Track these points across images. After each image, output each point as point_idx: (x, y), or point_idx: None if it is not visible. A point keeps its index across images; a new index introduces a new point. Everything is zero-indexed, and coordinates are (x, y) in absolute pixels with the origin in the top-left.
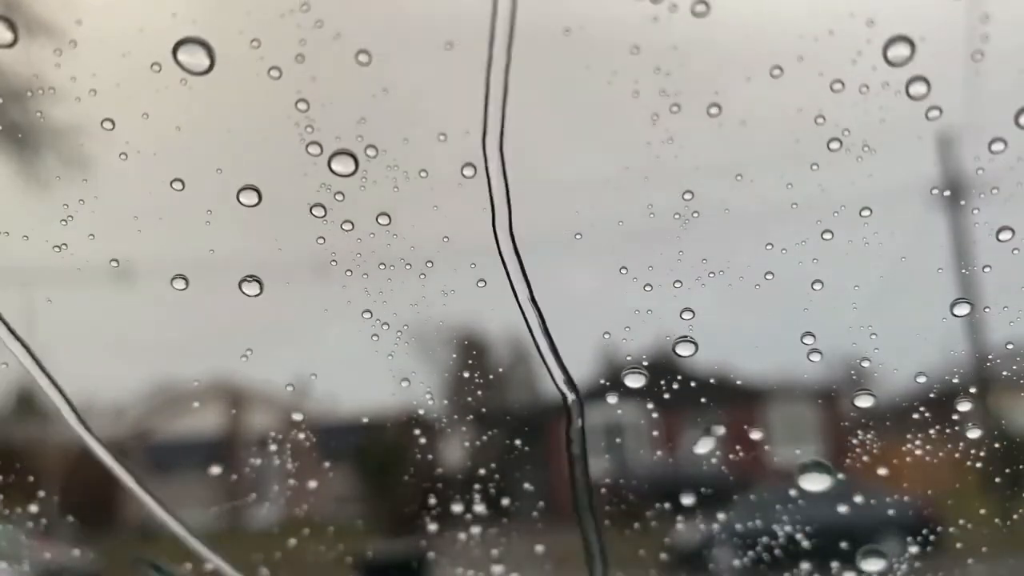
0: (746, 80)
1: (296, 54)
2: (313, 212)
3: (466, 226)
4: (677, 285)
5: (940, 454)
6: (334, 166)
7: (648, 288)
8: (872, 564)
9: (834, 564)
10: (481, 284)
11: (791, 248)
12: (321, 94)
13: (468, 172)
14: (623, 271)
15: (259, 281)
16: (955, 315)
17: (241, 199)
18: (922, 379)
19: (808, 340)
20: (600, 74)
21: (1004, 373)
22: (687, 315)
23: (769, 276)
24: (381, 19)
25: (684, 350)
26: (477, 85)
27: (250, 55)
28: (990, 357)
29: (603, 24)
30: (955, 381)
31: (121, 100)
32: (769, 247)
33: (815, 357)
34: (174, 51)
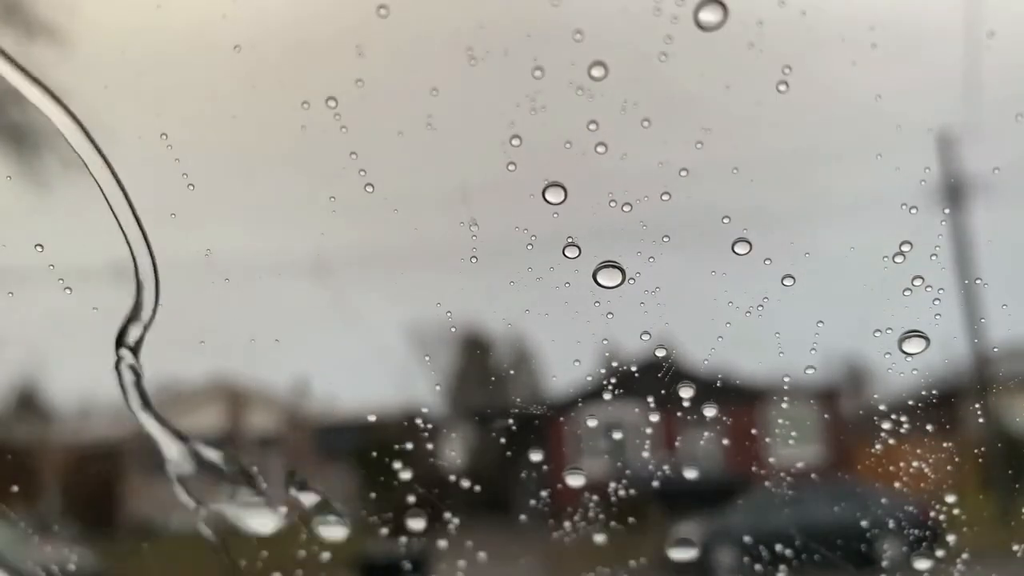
0: (757, 84)
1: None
2: (314, 211)
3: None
4: (676, 285)
5: (940, 454)
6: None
7: (648, 290)
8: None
9: (834, 564)
10: (482, 288)
11: (790, 248)
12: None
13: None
14: (621, 270)
15: (259, 281)
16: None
17: (248, 198)
18: (922, 379)
19: (807, 340)
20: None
21: (1004, 373)
22: (688, 314)
23: (768, 276)
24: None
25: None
26: None
27: (240, 58)
28: (990, 357)
29: None
30: (955, 381)
31: (120, 100)
32: (768, 247)
33: (814, 357)
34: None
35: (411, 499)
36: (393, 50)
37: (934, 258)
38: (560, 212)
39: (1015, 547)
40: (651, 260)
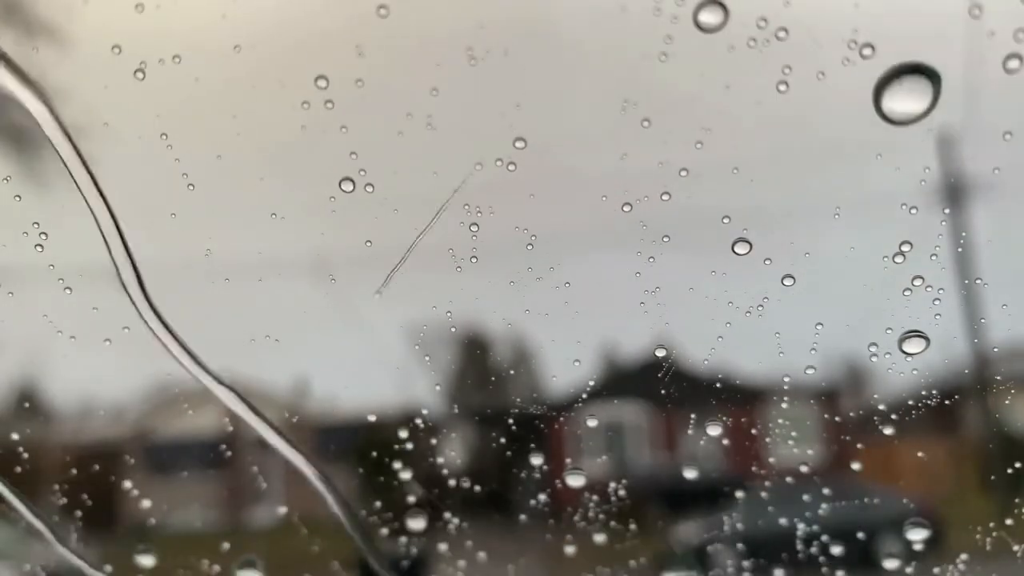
0: (753, 83)
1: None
2: (314, 211)
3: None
4: (676, 285)
5: (940, 454)
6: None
7: (649, 289)
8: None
9: (832, 563)
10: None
11: (790, 248)
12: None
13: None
14: (621, 268)
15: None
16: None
17: (248, 197)
18: (922, 379)
19: (807, 340)
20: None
21: (1004, 373)
22: (688, 314)
23: (768, 276)
24: None
25: None
26: None
27: (240, 58)
28: (990, 357)
29: None
30: (955, 381)
31: (120, 100)
32: (768, 247)
33: (814, 357)
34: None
35: (411, 499)
36: (393, 50)
37: (934, 258)
38: (560, 212)
39: (1015, 547)
40: (651, 260)
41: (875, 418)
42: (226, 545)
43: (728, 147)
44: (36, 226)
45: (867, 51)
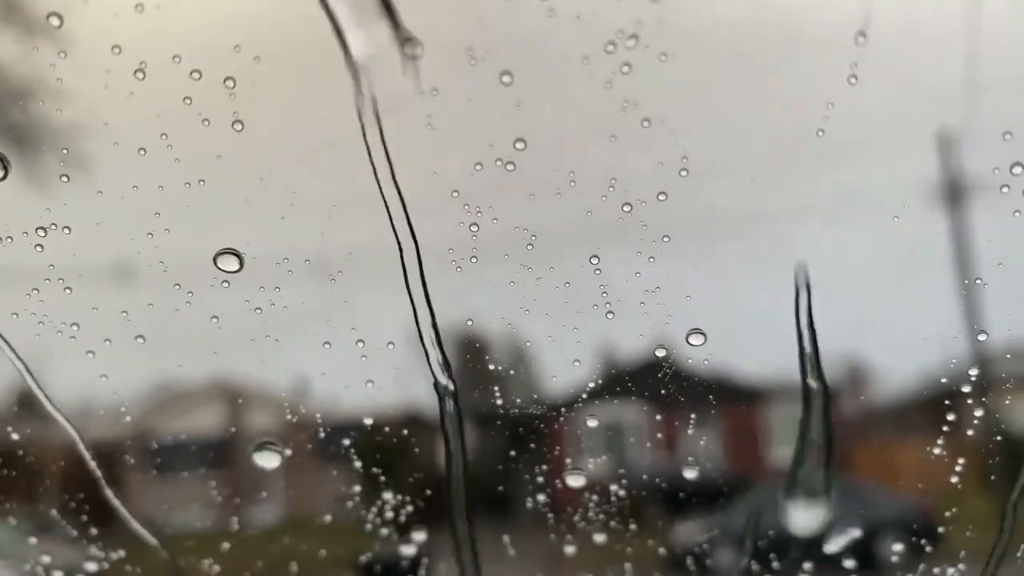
0: (748, 78)
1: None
2: (314, 211)
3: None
4: (676, 285)
5: (940, 454)
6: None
7: (649, 290)
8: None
9: (831, 563)
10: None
11: (790, 249)
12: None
13: None
14: (622, 266)
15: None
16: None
17: (248, 197)
18: (922, 379)
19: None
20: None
21: (1004, 373)
22: (687, 313)
23: (768, 276)
24: None
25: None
26: None
27: (240, 58)
28: (990, 357)
29: None
30: (955, 381)
31: (121, 100)
32: (768, 247)
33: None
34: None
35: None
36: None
37: (934, 258)
38: (560, 212)
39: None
40: (651, 260)
41: (875, 418)
42: (226, 545)
43: (727, 147)
44: (36, 226)
45: (867, 51)
